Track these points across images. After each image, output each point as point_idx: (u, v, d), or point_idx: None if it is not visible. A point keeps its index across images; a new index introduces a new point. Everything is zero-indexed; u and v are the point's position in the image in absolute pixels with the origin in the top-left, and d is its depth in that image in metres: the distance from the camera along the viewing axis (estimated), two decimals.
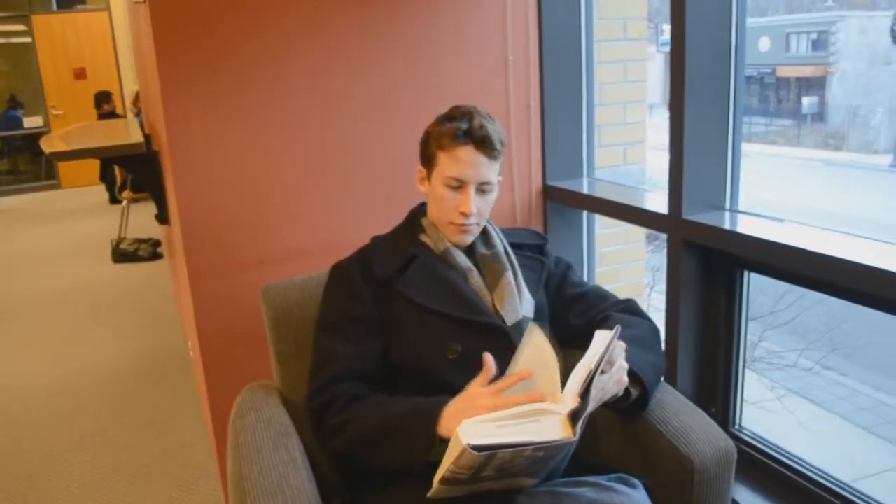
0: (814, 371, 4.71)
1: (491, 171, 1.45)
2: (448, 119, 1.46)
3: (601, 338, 1.17)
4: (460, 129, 1.42)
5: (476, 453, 0.99)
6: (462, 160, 1.42)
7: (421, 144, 1.52)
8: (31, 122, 9.93)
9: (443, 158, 1.45)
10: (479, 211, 1.46)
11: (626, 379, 1.25)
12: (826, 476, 1.74)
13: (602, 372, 1.17)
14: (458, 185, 1.44)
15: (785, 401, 4.43)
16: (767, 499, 1.79)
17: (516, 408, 1.09)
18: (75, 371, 3.63)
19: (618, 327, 1.18)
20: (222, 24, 1.92)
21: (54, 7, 9.97)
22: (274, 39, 1.97)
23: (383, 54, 2.10)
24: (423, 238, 1.52)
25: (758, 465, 1.88)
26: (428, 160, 1.49)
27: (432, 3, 2.14)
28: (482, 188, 1.45)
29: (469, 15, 2.19)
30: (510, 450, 1.01)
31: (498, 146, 1.44)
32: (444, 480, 1.07)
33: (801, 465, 1.80)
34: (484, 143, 1.42)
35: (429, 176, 1.50)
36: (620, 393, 1.25)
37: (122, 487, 2.52)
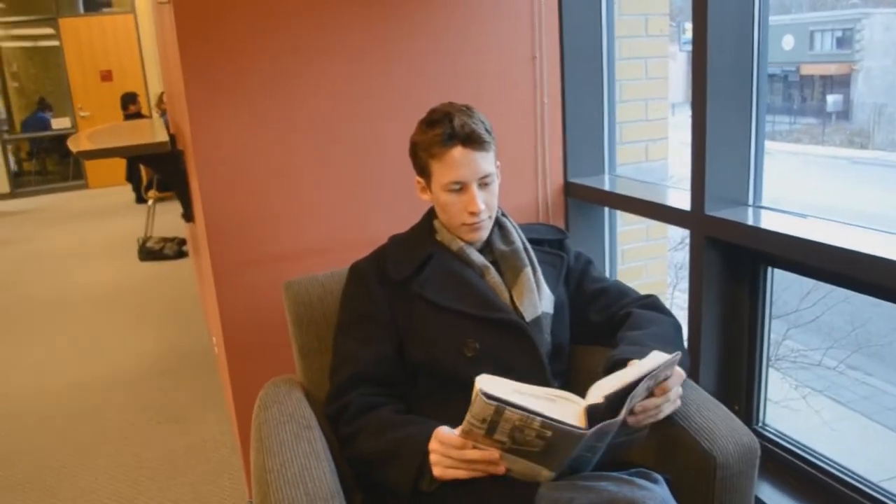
0: (838, 370, 4.65)
1: (487, 162, 1.43)
2: (429, 125, 1.43)
3: (655, 357, 1.18)
4: (444, 133, 1.39)
5: (486, 400, 1.05)
6: (456, 163, 1.40)
7: (411, 156, 1.50)
8: (59, 123, 10.07)
9: (436, 166, 1.43)
10: (487, 205, 1.44)
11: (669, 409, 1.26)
12: (851, 474, 1.72)
13: (650, 392, 1.19)
14: (460, 188, 1.42)
15: (809, 400, 4.38)
16: (791, 496, 1.78)
17: (540, 388, 1.14)
18: (102, 367, 3.68)
19: (678, 353, 1.18)
20: (245, 23, 1.93)
21: (81, 10, 10.11)
22: (296, 38, 1.99)
23: (404, 52, 2.11)
24: (439, 238, 1.52)
25: (782, 462, 1.86)
26: (422, 170, 1.48)
27: (453, 0, 2.14)
28: (483, 181, 1.43)
29: (489, 11, 2.19)
30: (518, 412, 1.05)
31: (486, 137, 1.42)
32: (463, 433, 1.14)
33: (826, 462, 1.78)
34: (471, 140, 1.40)
35: (428, 185, 1.48)
36: (661, 417, 1.25)
37: (146, 482, 2.55)
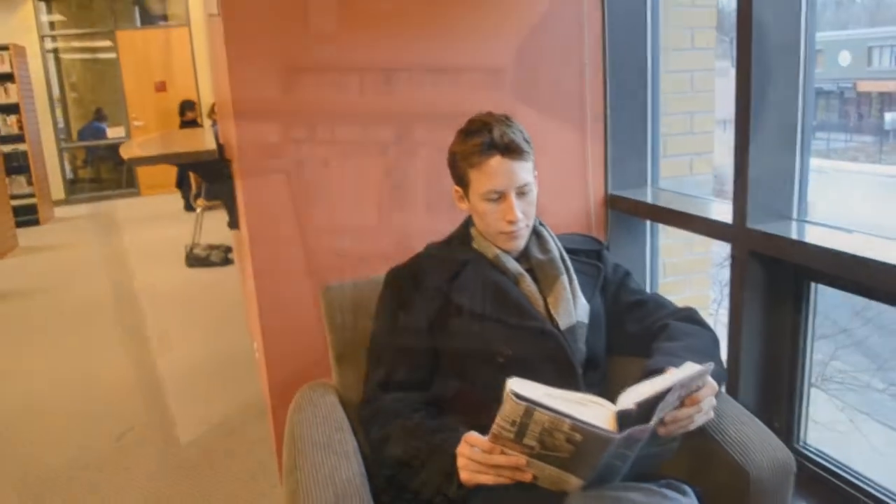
0: (889, 393, 4.51)
1: (525, 172, 1.44)
2: (467, 135, 1.45)
3: (688, 367, 1.17)
4: (483, 142, 1.41)
5: (516, 400, 1.05)
6: (494, 172, 1.42)
7: (449, 165, 1.51)
8: (115, 132, 10.35)
9: (475, 175, 1.44)
10: (525, 213, 1.45)
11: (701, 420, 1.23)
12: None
13: (681, 402, 1.17)
14: (498, 196, 1.43)
15: (857, 423, 4.25)
16: None
17: (572, 393, 1.14)
18: (147, 369, 3.76)
19: (709, 364, 1.17)
20: (292, 34, 1.97)
21: (138, 23, 10.41)
22: (341, 46, 2.02)
23: (451, 62, 2.13)
24: (475, 245, 1.53)
25: (822, 482, 1.81)
26: (460, 179, 1.49)
27: (501, 10, 2.15)
28: (521, 191, 1.44)
29: (536, 22, 2.19)
30: (548, 413, 1.05)
31: (525, 147, 1.43)
32: (492, 437, 1.13)
33: (869, 485, 1.73)
34: (510, 150, 1.41)
35: (466, 194, 1.50)
36: (692, 427, 1.22)
37: (185, 482, 2.59)
